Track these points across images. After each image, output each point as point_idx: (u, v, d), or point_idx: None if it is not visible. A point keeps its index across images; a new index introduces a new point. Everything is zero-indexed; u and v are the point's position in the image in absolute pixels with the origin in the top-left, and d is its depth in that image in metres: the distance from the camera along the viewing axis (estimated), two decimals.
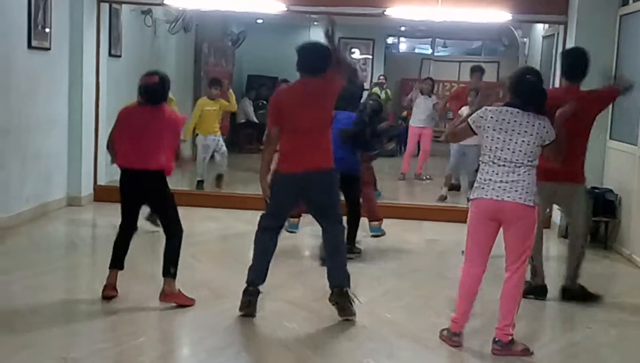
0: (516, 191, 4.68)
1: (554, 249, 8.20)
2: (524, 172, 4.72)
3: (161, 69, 9.03)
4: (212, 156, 10.22)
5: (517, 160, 4.72)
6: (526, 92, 4.82)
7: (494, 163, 4.76)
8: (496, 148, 4.75)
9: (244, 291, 5.24)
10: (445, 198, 10.18)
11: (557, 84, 9.14)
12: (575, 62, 6.04)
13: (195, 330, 5.16)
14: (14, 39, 7.67)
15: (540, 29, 11.70)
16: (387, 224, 8.52)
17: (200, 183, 10.22)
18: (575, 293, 6.00)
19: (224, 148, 10.27)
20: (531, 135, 4.73)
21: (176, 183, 9.75)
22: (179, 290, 5.48)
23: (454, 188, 10.95)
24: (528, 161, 4.73)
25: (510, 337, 4.80)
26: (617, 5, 8.41)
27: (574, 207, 6.05)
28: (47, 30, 8.27)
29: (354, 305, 5.26)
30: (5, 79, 7.54)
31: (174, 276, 5.47)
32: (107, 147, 5.77)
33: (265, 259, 5.28)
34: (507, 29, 13.21)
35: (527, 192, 4.70)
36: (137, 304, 5.48)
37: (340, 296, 5.22)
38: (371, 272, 6.80)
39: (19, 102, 7.80)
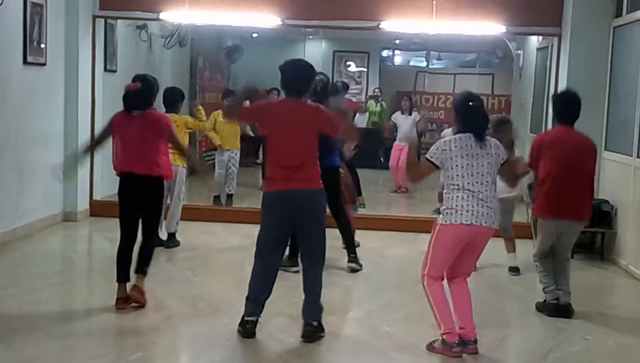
0: (490, 216, 4.86)
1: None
2: (492, 196, 4.90)
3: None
4: (227, 171, 10.22)
5: (485, 183, 4.88)
6: (472, 118, 4.99)
7: (464, 188, 4.85)
8: (465, 174, 4.87)
9: (242, 324, 5.14)
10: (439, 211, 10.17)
11: (551, 96, 9.18)
12: (568, 107, 6.01)
13: (193, 344, 5.15)
14: (10, 55, 7.68)
15: (534, 41, 11.75)
16: (382, 236, 8.53)
17: (216, 198, 10.23)
18: (571, 310, 5.98)
19: (235, 168, 10.26)
20: (491, 156, 4.92)
21: (191, 198, 9.81)
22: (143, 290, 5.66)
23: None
24: (492, 183, 4.93)
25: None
26: (610, 16, 8.45)
27: (573, 240, 6.12)
28: (43, 45, 8.29)
29: (323, 334, 5.16)
30: (1, 95, 7.54)
31: (145, 274, 5.69)
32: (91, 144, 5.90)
33: (263, 291, 5.18)
34: (502, 42, 13.26)
35: (495, 215, 4.92)
36: (134, 319, 5.46)
37: (311, 329, 5.10)
38: (368, 285, 6.80)
39: (14, 117, 7.80)
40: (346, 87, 10.45)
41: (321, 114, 5.11)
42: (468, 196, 4.83)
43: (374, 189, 11.89)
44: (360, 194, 10.56)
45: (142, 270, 5.70)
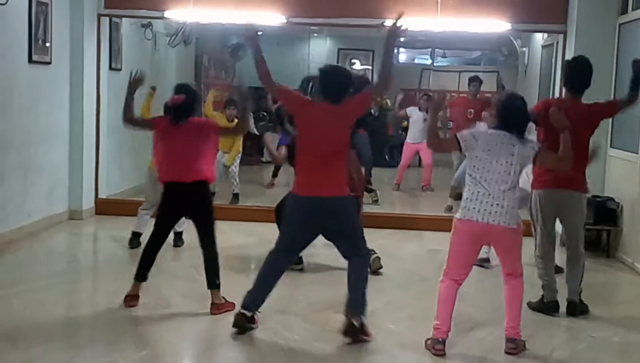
0: (500, 215, 4.84)
1: (556, 258, 8.19)
2: (507, 195, 4.86)
3: (162, 82, 9.08)
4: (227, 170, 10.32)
5: (502, 182, 4.86)
6: (511, 117, 4.95)
7: (480, 183, 4.87)
8: (483, 168, 4.88)
9: (236, 317, 5.14)
10: (452, 208, 10.14)
11: (557, 93, 9.17)
12: (580, 74, 6.01)
13: (198, 342, 5.16)
14: (15, 54, 7.70)
15: (539, 38, 11.73)
16: (387, 234, 8.53)
17: (235, 196, 10.29)
18: (582, 307, 5.98)
19: (235, 168, 10.33)
20: (512, 155, 4.87)
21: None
22: (223, 298, 5.63)
23: (460, 197, 10.96)
24: (511, 183, 4.87)
25: (521, 334, 4.98)
26: (616, 14, 8.42)
27: (577, 218, 6.00)
28: (48, 44, 8.30)
29: (366, 340, 5.11)
30: (7, 94, 7.56)
31: (219, 287, 5.64)
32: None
33: (267, 289, 5.19)
34: (507, 39, 13.26)
35: (509, 215, 4.85)
36: (140, 316, 5.48)
37: (351, 328, 5.06)
38: (373, 283, 6.76)
39: (20, 116, 7.81)
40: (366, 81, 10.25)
41: (348, 105, 5.07)
42: (481, 192, 4.85)
43: (380, 187, 11.85)
44: (372, 190, 10.58)
45: (214, 284, 5.65)
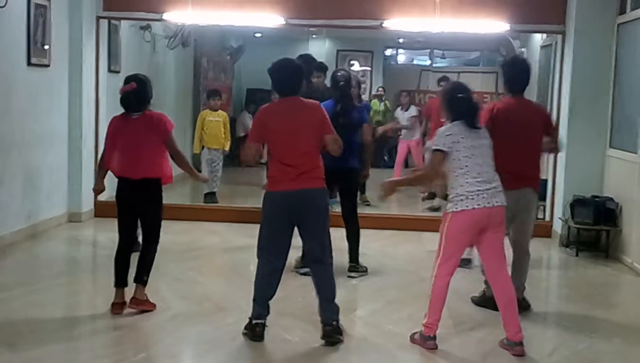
0: (500, 194, 4.95)
1: (554, 258, 8.21)
2: (494, 175, 4.99)
3: (161, 84, 9.07)
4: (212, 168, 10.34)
5: (487, 164, 4.97)
6: (462, 108, 5.04)
7: (470, 172, 4.91)
8: (470, 156, 4.93)
9: (252, 329, 5.10)
10: (438, 208, 10.18)
11: (555, 93, 9.18)
12: (522, 74, 6.01)
13: (198, 344, 5.15)
14: (14, 56, 7.70)
15: (538, 38, 11.73)
16: (386, 235, 8.53)
17: (209, 195, 10.27)
18: (524, 304, 5.91)
19: (219, 166, 10.39)
20: (486, 138, 5.04)
21: (182, 196, 9.83)
22: (145, 296, 5.58)
23: (433, 196, 11.18)
24: (493, 164, 5.02)
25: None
26: (614, 14, 8.42)
27: (528, 216, 5.88)
28: (47, 47, 8.30)
29: (342, 335, 5.12)
30: (5, 96, 7.56)
31: (146, 283, 5.57)
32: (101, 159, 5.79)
33: (268, 293, 5.15)
34: (505, 39, 13.23)
35: (503, 193, 4.99)
36: (139, 319, 5.47)
37: (331, 331, 5.07)
38: (373, 284, 6.79)
39: (19, 118, 7.81)
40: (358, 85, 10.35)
41: (325, 118, 5.12)
42: (475, 180, 4.89)
43: (377, 188, 11.84)
44: (364, 192, 10.57)
45: (142, 280, 5.57)
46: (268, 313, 5.15)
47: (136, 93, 5.54)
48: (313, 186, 5.05)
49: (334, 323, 5.07)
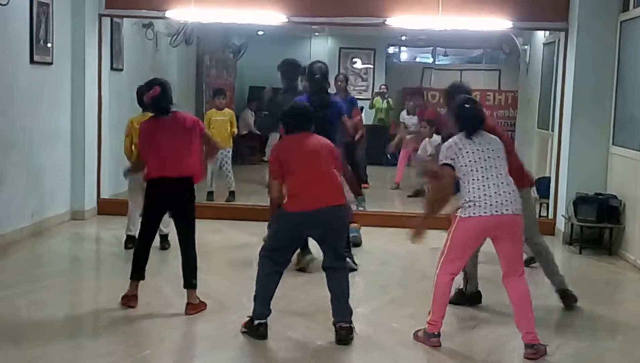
0: (510, 203, 4.87)
1: (557, 255, 8.19)
2: (507, 182, 4.92)
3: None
4: (220, 168, 10.35)
5: (498, 171, 4.92)
6: (468, 119, 5.06)
7: (479, 179, 4.90)
8: (477, 163, 4.93)
9: (255, 329, 5.08)
10: (418, 193, 10.26)
11: (558, 92, 9.17)
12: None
13: (200, 342, 5.16)
14: (16, 54, 7.70)
15: (541, 36, 11.72)
16: (389, 233, 8.51)
17: (210, 194, 10.29)
18: (570, 297, 5.95)
19: (228, 165, 10.39)
20: (497, 146, 5.02)
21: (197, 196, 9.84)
22: (197, 299, 5.62)
23: (420, 193, 11.26)
24: (505, 171, 4.95)
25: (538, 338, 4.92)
26: (617, 11, 8.41)
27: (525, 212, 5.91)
28: (49, 45, 8.30)
29: (354, 334, 5.11)
30: (8, 94, 7.56)
31: (196, 287, 5.62)
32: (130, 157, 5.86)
33: (270, 293, 5.15)
34: (508, 37, 13.24)
35: (516, 202, 4.91)
36: (142, 317, 5.48)
37: (343, 330, 5.07)
38: (376, 281, 6.79)
39: (21, 117, 7.82)
40: (345, 79, 10.45)
41: (337, 158, 5.23)
42: (484, 187, 4.86)
43: (381, 186, 11.87)
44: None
45: (192, 284, 5.63)
46: (269, 312, 5.14)
47: (162, 96, 5.62)
48: (334, 204, 5.04)
49: (347, 325, 5.06)
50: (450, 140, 5.07)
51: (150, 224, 5.77)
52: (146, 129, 5.73)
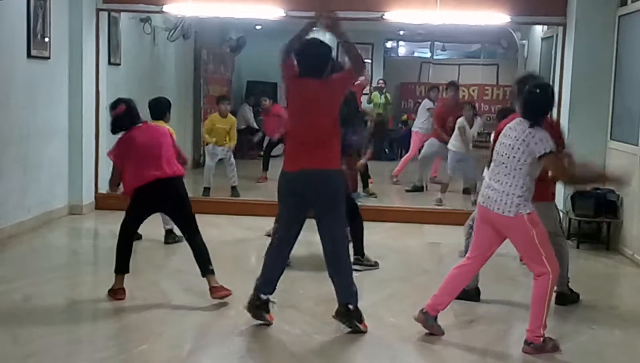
0: (495, 200, 4.84)
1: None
2: (507, 182, 4.81)
3: (161, 76, 9.09)
4: (220, 160, 10.43)
5: (504, 166, 4.85)
6: (526, 103, 4.91)
7: (489, 169, 4.98)
8: (496, 152, 4.95)
9: (252, 302, 5.15)
10: (440, 202, 10.16)
11: (556, 86, 9.16)
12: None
13: (199, 336, 5.16)
14: (14, 49, 7.68)
15: (539, 30, 11.71)
16: (387, 227, 8.53)
17: (206, 190, 10.33)
18: (572, 298, 5.98)
19: (233, 159, 10.49)
20: (517, 140, 4.81)
21: (196, 191, 9.85)
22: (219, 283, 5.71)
23: (417, 189, 11.26)
24: (516, 170, 4.79)
25: (542, 339, 4.88)
26: (615, 5, 8.41)
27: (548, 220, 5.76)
28: (47, 39, 8.28)
29: (361, 324, 5.13)
30: (5, 89, 7.55)
31: (213, 272, 5.71)
32: (112, 184, 5.95)
33: (274, 271, 5.21)
34: (506, 32, 13.24)
35: (505, 203, 4.80)
36: (140, 311, 5.48)
37: (344, 316, 5.09)
38: (374, 276, 6.79)
39: (19, 111, 7.80)
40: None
41: (334, 81, 5.12)
42: (489, 177, 4.94)
43: (379, 180, 11.86)
44: (367, 186, 10.58)
45: (209, 270, 5.74)
46: (272, 291, 5.17)
47: (127, 112, 5.82)
48: (325, 167, 5.02)
49: (350, 306, 5.06)
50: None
51: (139, 222, 5.92)
52: (131, 142, 5.76)
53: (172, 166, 5.77)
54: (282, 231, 5.24)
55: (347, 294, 5.10)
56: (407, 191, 11.39)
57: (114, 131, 5.90)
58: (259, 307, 5.17)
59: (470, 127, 10.31)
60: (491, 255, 5.11)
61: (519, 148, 4.78)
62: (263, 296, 5.17)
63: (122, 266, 5.75)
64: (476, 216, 5.12)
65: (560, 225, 6.07)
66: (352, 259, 6.81)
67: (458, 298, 5.69)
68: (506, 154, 4.84)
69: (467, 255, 5.16)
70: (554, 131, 5.16)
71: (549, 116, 5.18)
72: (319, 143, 5.00)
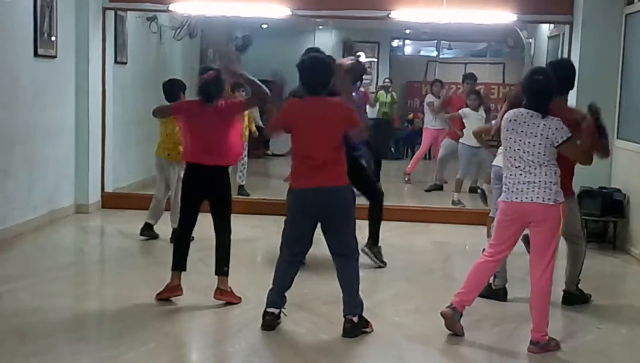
0: (533, 191, 4.81)
1: (562, 249, 8.16)
2: (541, 172, 4.82)
3: (167, 75, 9.11)
4: None
5: (532, 161, 4.83)
6: (530, 92, 4.92)
7: (512, 165, 4.91)
8: (511, 148, 4.91)
9: (263, 317, 5.13)
10: (458, 202, 10.09)
11: None
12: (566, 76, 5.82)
13: (205, 335, 5.16)
14: (20, 48, 7.70)
15: (545, 29, 11.68)
16: (393, 226, 8.51)
17: (241, 188, 10.28)
18: (582, 298, 5.97)
19: (246, 158, 10.38)
20: (536, 136, 4.82)
21: None
22: (229, 288, 5.63)
23: (437, 188, 11.20)
24: (544, 161, 4.82)
25: (547, 337, 4.88)
26: (622, 4, 8.38)
27: (573, 217, 5.79)
28: (53, 38, 8.29)
29: (367, 327, 5.14)
30: (12, 88, 7.56)
31: (227, 274, 5.63)
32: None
33: (286, 283, 5.20)
34: (513, 30, 13.19)
35: (544, 191, 4.80)
36: (147, 310, 5.49)
37: (351, 332, 5.05)
38: (380, 275, 6.79)
39: (25, 110, 7.82)
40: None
41: (351, 114, 5.08)
42: (513, 174, 4.89)
43: (385, 179, 11.83)
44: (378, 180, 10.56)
45: (222, 271, 5.67)
46: (284, 302, 5.17)
47: (214, 81, 5.64)
48: (334, 184, 5.02)
49: (354, 319, 5.05)
50: (510, 112, 4.95)
51: (189, 214, 5.81)
52: (189, 111, 5.73)
53: (218, 156, 5.69)
54: (293, 247, 5.20)
55: (353, 305, 5.09)
56: (427, 190, 11.31)
57: (206, 98, 5.65)
58: (266, 320, 5.13)
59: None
60: (511, 251, 5.15)
61: (540, 143, 4.81)
62: (276, 311, 5.15)
63: (174, 263, 5.73)
64: (500, 215, 5.06)
65: (583, 226, 6.05)
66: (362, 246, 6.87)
67: (486, 297, 5.69)
68: (530, 151, 4.83)
69: (489, 250, 5.12)
70: (563, 114, 5.10)
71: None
72: (328, 160, 5.00)
